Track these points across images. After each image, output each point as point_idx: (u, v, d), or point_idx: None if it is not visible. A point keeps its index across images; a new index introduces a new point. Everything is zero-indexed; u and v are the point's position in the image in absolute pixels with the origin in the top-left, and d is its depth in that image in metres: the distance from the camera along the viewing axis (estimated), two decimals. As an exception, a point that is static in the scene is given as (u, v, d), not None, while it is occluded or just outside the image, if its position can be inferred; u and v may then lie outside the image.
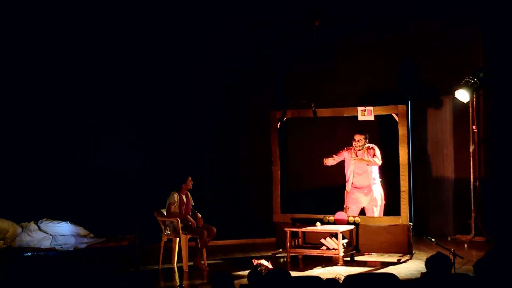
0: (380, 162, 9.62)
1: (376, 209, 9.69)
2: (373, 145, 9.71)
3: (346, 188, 9.84)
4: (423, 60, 11.12)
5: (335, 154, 9.79)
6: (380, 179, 9.79)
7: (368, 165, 9.61)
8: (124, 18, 10.45)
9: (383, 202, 9.76)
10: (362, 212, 9.82)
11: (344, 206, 9.76)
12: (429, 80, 11.14)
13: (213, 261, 9.42)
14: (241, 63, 11.24)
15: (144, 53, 10.85)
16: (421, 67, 11.16)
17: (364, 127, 9.80)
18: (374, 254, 9.58)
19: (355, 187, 9.77)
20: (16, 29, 10.40)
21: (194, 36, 10.98)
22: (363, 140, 9.64)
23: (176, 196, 9.17)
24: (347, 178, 9.81)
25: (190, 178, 9.27)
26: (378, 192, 9.71)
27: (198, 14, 10.49)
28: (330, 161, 9.77)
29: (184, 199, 9.26)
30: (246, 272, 7.54)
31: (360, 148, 9.64)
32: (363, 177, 9.70)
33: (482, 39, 10.82)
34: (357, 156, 9.68)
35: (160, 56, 10.93)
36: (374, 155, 9.61)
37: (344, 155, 9.78)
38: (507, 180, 9.83)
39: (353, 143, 9.67)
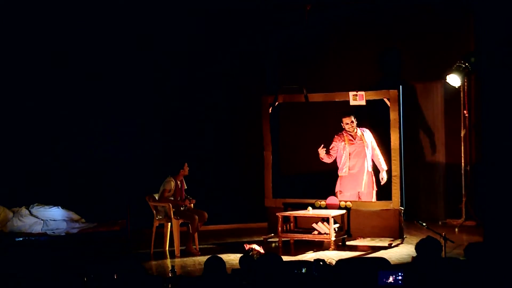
0: (366, 145, 9.63)
1: (372, 195, 9.68)
2: (365, 129, 9.71)
3: (341, 173, 9.76)
4: (415, 44, 11.12)
5: (330, 150, 9.71)
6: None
7: (353, 144, 9.59)
8: (121, 8, 10.45)
9: (375, 189, 9.77)
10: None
11: (336, 191, 9.75)
12: (421, 64, 11.15)
13: (205, 246, 9.44)
14: (233, 48, 11.21)
15: (137, 40, 10.83)
16: (412, 52, 11.16)
17: (356, 112, 9.78)
18: (366, 239, 9.62)
19: (354, 170, 9.69)
20: (15, 21, 10.39)
21: (186, 22, 10.94)
22: (351, 122, 9.59)
23: (173, 183, 9.12)
24: (342, 162, 9.74)
25: (186, 164, 9.25)
26: (372, 176, 9.71)
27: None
28: (325, 158, 9.70)
29: (179, 185, 9.26)
30: (238, 257, 7.56)
31: (353, 130, 9.61)
32: (360, 160, 9.65)
33: (473, 23, 10.81)
34: (354, 138, 9.63)
35: (152, 44, 10.91)
36: (368, 139, 9.62)
37: (338, 146, 9.70)
38: (498, 164, 9.85)
39: (344, 127, 9.65)
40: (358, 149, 9.66)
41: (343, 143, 9.66)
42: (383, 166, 9.66)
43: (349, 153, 9.66)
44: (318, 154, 9.68)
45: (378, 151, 9.70)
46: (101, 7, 10.46)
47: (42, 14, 10.41)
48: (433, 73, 11.06)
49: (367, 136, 9.67)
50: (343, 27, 11.22)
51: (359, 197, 9.71)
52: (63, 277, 6.52)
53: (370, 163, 9.67)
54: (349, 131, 9.62)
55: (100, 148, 10.71)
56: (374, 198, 9.68)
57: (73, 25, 10.55)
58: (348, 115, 9.60)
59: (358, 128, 9.66)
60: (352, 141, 9.64)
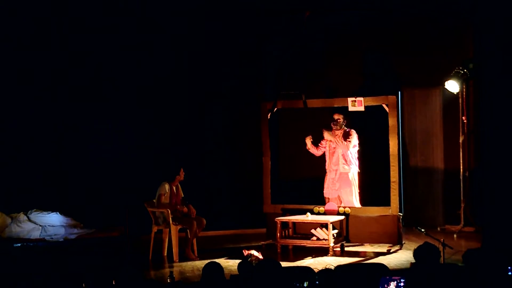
0: (346, 146, 9.63)
1: (351, 197, 9.70)
2: (352, 130, 9.74)
3: (326, 166, 9.89)
4: (414, 51, 11.13)
5: (320, 144, 9.88)
6: (358, 170, 9.80)
7: (331, 141, 9.65)
8: (120, 14, 10.49)
9: (357, 190, 9.78)
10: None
11: (325, 197, 9.85)
12: (419, 70, 11.16)
13: (204, 252, 9.42)
14: (232, 54, 11.22)
15: (137, 44, 10.84)
16: (411, 58, 11.17)
17: (354, 118, 9.81)
18: (365, 244, 9.61)
19: (331, 167, 9.83)
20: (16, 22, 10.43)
21: (184, 27, 10.95)
22: (342, 120, 9.69)
23: (167, 186, 9.16)
24: (326, 157, 9.90)
25: (182, 169, 9.27)
26: (353, 177, 9.72)
27: (191, 5, 10.51)
28: (312, 149, 9.89)
29: (175, 190, 9.26)
30: (236, 263, 7.55)
31: (338, 128, 9.69)
32: (335, 157, 9.75)
33: (472, 29, 10.83)
34: (334, 137, 9.72)
35: (152, 49, 10.92)
36: (347, 139, 9.63)
37: (325, 142, 9.85)
38: (496, 170, 9.86)
39: (332, 122, 9.71)
40: (334, 149, 9.75)
41: (327, 141, 9.79)
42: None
43: (328, 151, 9.79)
44: (316, 158, 9.86)
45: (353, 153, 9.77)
46: (103, 11, 10.47)
47: (42, 15, 10.43)
48: (432, 79, 11.08)
49: (352, 139, 9.67)
50: (342, 33, 11.23)
51: (339, 199, 9.78)
52: (62, 283, 6.52)
53: (347, 160, 9.68)
54: (334, 128, 9.67)
55: (98, 154, 10.70)
56: (357, 201, 9.69)
57: (76, 29, 10.58)
58: (339, 112, 9.70)
59: (344, 129, 9.71)
60: (331, 140, 9.72)
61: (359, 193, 9.81)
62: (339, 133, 9.76)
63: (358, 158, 9.82)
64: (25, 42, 10.51)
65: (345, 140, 9.67)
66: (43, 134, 10.73)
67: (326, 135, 9.80)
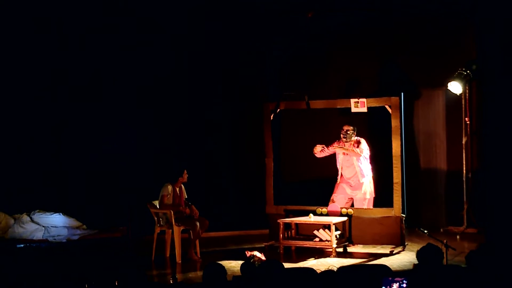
0: (359, 153, 9.60)
1: (365, 202, 9.71)
2: (362, 138, 9.73)
3: (338, 178, 9.86)
4: (417, 52, 11.11)
5: (327, 147, 9.83)
6: (372, 174, 9.80)
7: (344, 154, 9.65)
8: (120, 14, 10.49)
9: (373, 196, 9.77)
10: (351, 204, 9.84)
11: (331, 198, 9.80)
12: (422, 72, 11.14)
13: (206, 253, 9.42)
14: (235, 55, 11.21)
15: (138, 47, 10.83)
16: (414, 59, 11.15)
17: (357, 118, 9.80)
18: (368, 246, 9.59)
19: (345, 178, 9.81)
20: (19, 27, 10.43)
21: (184, 27, 10.95)
22: (351, 131, 9.67)
23: (170, 187, 9.15)
24: (338, 169, 9.86)
25: (185, 171, 9.25)
26: (367, 185, 9.72)
27: (191, 5, 10.50)
28: (318, 149, 9.84)
29: (178, 192, 9.25)
30: (239, 264, 7.54)
31: (347, 139, 9.67)
32: (350, 169, 9.75)
33: (474, 30, 10.81)
34: (347, 149, 9.70)
35: (154, 50, 10.91)
36: (358, 146, 9.63)
37: (335, 146, 9.82)
38: (499, 171, 9.85)
39: (341, 133, 9.70)
40: (348, 159, 9.74)
41: (337, 147, 9.76)
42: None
43: (341, 162, 9.78)
44: (318, 159, 9.88)
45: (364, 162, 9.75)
46: (103, 11, 10.48)
47: (42, 15, 10.43)
48: (435, 80, 11.06)
49: (362, 146, 9.66)
50: (344, 34, 11.21)
51: (352, 202, 9.78)
52: (64, 284, 6.52)
53: (363, 172, 9.68)
54: (344, 139, 9.65)
55: (101, 154, 10.70)
56: (370, 205, 9.69)
57: (76, 29, 10.58)
58: (349, 124, 9.68)
59: (354, 138, 9.70)
60: (345, 153, 9.73)
61: (374, 198, 9.80)
62: (348, 145, 9.72)
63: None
64: (25, 42, 10.50)
65: (357, 147, 9.65)
66: (43, 134, 10.72)
67: (338, 149, 9.77)
